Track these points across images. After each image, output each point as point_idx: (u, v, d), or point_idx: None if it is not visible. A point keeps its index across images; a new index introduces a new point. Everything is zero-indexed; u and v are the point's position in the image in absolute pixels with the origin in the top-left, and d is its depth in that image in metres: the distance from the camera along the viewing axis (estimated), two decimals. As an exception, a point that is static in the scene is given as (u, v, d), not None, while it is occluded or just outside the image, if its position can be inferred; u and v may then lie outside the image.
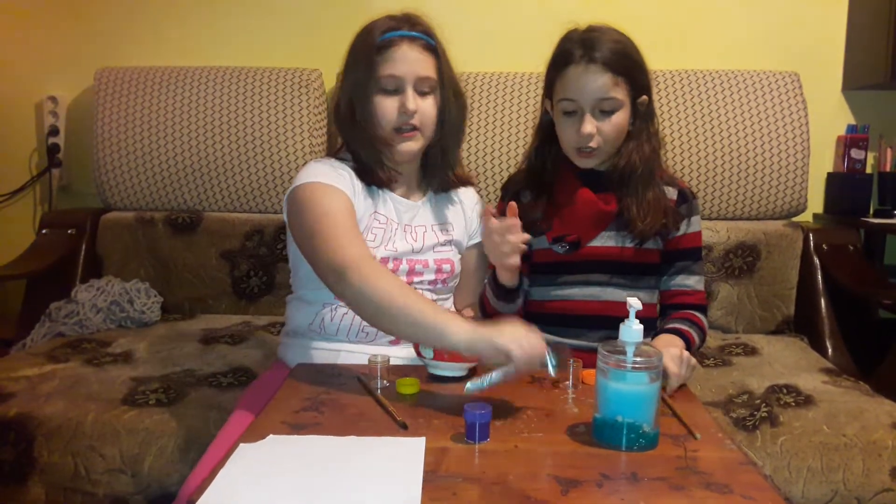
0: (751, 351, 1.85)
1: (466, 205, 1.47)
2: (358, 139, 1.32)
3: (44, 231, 2.19)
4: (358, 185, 1.31)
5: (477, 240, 1.45)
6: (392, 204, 1.36)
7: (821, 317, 1.96)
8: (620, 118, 1.28)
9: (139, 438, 1.36)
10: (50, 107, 2.34)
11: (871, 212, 2.21)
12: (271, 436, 0.94)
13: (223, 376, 1.60)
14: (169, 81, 2.16)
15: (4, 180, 2.39)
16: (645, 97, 1.32)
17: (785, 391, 1.54)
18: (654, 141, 1.34)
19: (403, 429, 0.98)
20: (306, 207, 1.24)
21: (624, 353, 0.94)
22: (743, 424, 1.40)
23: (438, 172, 1.40)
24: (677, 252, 1.37)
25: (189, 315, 2.10)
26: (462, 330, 1.04)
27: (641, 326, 0.95)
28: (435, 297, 1.38)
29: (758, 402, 1.49)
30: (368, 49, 1.27)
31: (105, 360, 1.68)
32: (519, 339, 1.01)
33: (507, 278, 1.29)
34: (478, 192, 1.54)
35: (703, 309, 1.38)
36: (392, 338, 1.29)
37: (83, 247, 2.13)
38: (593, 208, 1.34)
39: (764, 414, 1.43)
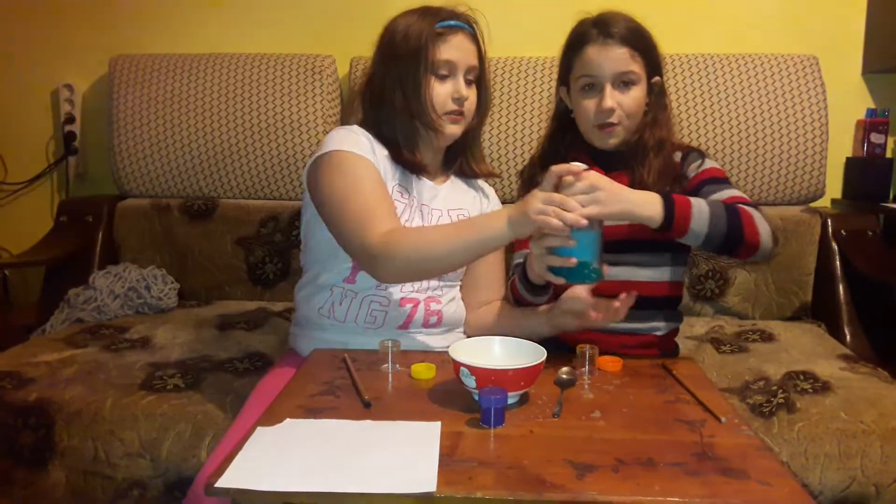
0: (768, 337, 1.83)
1: (487, 192, 1.49)
2: (396, 119, 1.32)
3: (61, 218, 2.21)
4: (382, 152, 1.31)
5: None
6: (415, 182, 1.36)
7: (839, 303, 1.94)
8: (639, 93, 1.31)
9: (157, 423, 1.37)
10: (66, 94, 2.35)
11: (891, 197, 2.18)
12: (288, 419, 0.95)
13: (239, 362, 1.61)
14: (183, 68, 2.17)
15: (21, 168, 2.41)
16: (658, 78, 1.34)
17: (802, 377, 1.53)
18: (669, 123, 1.36)
19: (367, 407, 1.00)
20: (339, 172, 1.24)
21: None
22: (760, 411, 1.39)
23: (457, 158, 1.42)
24: (698, 183, 1.30)
25: (205, 301, 2.12)
26: (499, 224, 1.10)
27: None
28: (440, 283, 1.36)
29: (775, 388, 1.48)
30: (428, 33, 1.29)
31: (123, 346, 1.70)
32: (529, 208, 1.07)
33: (536, 276, 1.23)
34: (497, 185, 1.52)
35: (749, 205, 1.21)
36: (400, 323, 1.31)
37: (100, 234, 2.15)
38: None
39: (781, 400, 1.42)
